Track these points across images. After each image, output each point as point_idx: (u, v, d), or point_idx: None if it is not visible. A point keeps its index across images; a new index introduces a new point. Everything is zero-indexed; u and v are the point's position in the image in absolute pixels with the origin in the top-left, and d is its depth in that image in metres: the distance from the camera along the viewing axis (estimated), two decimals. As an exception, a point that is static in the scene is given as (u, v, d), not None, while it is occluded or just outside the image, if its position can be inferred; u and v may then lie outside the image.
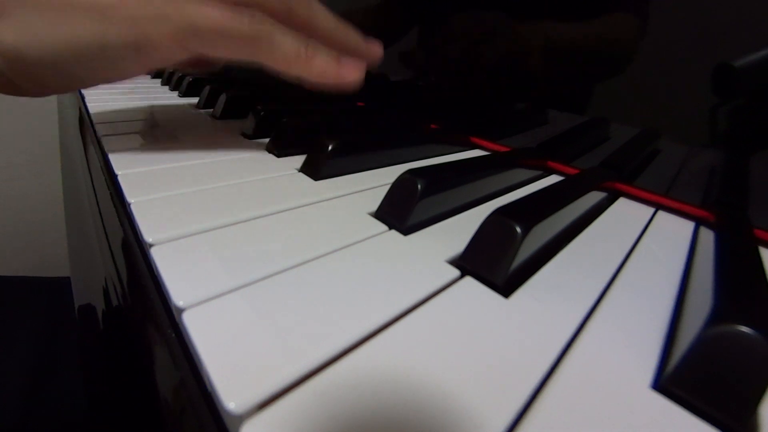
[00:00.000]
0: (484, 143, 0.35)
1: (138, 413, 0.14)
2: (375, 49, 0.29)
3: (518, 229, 0.14)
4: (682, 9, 0.22)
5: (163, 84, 0.59)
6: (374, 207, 0.20)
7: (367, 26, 0.43)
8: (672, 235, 0.21)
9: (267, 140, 0.30)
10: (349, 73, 0.25)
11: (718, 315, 0.10)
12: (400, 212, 0.18)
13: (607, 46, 0.26)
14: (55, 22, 0.19)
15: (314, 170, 0.24)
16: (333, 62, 0.24)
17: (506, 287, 0.15)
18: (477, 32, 0.33)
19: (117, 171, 0.22)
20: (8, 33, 0.19)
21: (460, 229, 0.19)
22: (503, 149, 0.33)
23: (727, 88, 0.21)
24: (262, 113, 0.33)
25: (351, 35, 0.27)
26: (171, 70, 0.58)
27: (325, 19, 0.26)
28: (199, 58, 0.23)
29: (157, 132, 0.32)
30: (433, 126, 0.38)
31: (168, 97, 0.49)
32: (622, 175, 0.26)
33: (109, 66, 0.22)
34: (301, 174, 0.25)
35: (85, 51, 0.20)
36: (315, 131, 0.30)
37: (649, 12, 0.24)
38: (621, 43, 0.25)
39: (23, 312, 0.46)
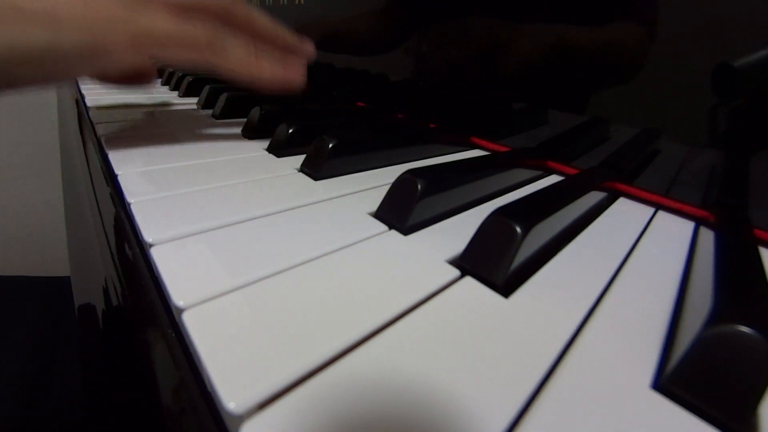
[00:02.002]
0: (484, 143, 0.35)
1: (138, 413, 0.14)
2: (308, 47, 0.32)
3: (518, 229, 0.14)
4: (682, 9, 0.22)
5: (163, 84, 0.59)
6: (374, 207, 0.20)
7: (372, 28, 0.43)
8: (672, 235, 0.21)
9: (267, 140, 0.30)
10: (294, 73, 0.27)
11: (718, 315, 0.10)
12: (400, 212, 0.18)
13: (612, 56, 0.26)
14: (1, 27, 0.19)
15: (314, 170, 0.24)
16: (280, 64, 0.26)
17: (506, 287, 0.15)
18: (481, 37, 0.33)
19: (117, 171, 0.22)
20: None
21: (460, 229, 0.19)
22: (503, 149, 0.33)
23: (727, 88, 0.21)
24: (262, 113, 0.33)
25: (287, 35, 0.29)
26: (171, 70, 0.58)
27: (263, 21, 0.28)
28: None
29: (157, 132, 0.32)
30: (433, 126, 0.38)
31: (168, 97, 0.49)
32: (622, 175, 0.26)
33: (58, 70, 0.21)
34: (301, 174, 0.25)
35: (35, 56, 0.20)
36: (315, 131, 0.30)
37: (656, 22, 0.23)
38: (627, 53, 0.25)
39: (23, 312, 0.46)
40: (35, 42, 0.20)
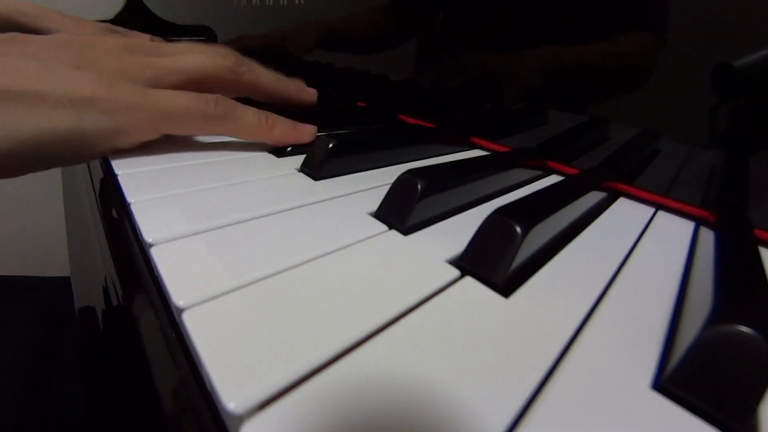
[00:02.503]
0: (484, 143, 0.35)
1: (138, 413, 0.14)
2: (311, 94, 0.35)
3: (518, 229, 0.14)
4: (682, 9, 0.22)
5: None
6: (374, 207, 0.20)
7: (374, 27, 0.43)
8: (672, 235, 0.21)
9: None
10: (305, 135, 0.28)
11: (718, 315, 0.10)
12: (400, 212, 0.18)
13: (620, 65, 0.26)
14: (26, 116, 0.19)
15: (314, 170, 0.24)
16: (291, 128, 0.28)
17: (506, 287, 0.15)
18: (482, 37, 0.33)
19: (117, 171, 0.22)
20: None
21: (460, 229, 0.19)
22: (503, 149, 0.33)
23: (727, 88, 0.21)
24: (262, 113, 0.33)
25: (291, 86, 0.32)
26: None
27: (268, 78, 0.30)
28: None
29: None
30: (433, 126, 0.38)
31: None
32: (622, 175, 0.26)
33: (77, 152, 0.22)
34: (300, 174, 0.25)
35: (57, 141, 0.20)
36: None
37: (667, 30, 0.23)
38: (635, 62, 0.25)
39: (23, 312, 0.46)
40: (59, 128, 0.20)
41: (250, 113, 0.26)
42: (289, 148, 0.28)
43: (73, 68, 0.22)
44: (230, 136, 0.27)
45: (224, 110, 0.25)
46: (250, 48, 0.62)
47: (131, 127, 0.22)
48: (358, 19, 0.44)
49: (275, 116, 0.27)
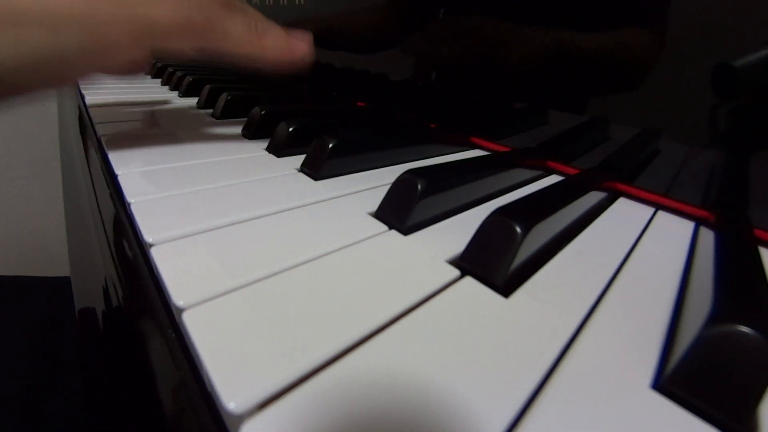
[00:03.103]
0: (484, 143, 0.35)
1: (138, 413, 0.14)
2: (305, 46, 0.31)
3: (518, 229, 0.14)
4: (682, 9, 0.22)
5: (163, 84, 0.59)
6: (374, 207, 0.20)
7: (373, 25, 0.43)
8: (672, 235, 0.21)
9: (267, 140, 0.30)
10: (299, 46, 0.26)
11: (718, 315, 0.10)
12: (400, 212, 0.18)
13: (620, 65, 0.25)
14: (1, 35, 0.18)
15: (314, 170, 0.24)
16: (283, 38, 0.25)
17: (506, 287, 0.15)
18: (483, 36, 0.33)
19: (117, 171, 0.22)
20: None
21: (460, 229, 0.19)
22: (503, 149, 0.33)
23: (727, 88, 0.21)
24: (262, 113, 0.33)
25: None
26: (171, 70, 0.58)
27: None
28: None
29: (157, 132, 0.32)
30: (433, 126, 0.38)
31: (168, 97, 0.49)
32: (622, 175, 0.26)
33: (59, 72, 0.21)
34: (301, 174, 0.25)
35: (38, 59, 0.19)
36: (315, 131, 0.30)
37: (665, 28, 0.23)
38: (635, 60, 0.25)
39: (23, 312, 0.46)
40: (36, 45, 0.19)
41: (238, 22, 0.24)
42: (289, 148, 0.28)
43: None
44: (217, 51, 0.25)
45: (209, 16, 0.23)
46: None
47: (113, 41, 0.21)
48: (359, 17, 0.44)
49: (266, 24, 0.25)
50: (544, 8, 0.29)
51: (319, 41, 0.50)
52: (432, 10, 0.37)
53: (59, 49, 0.20)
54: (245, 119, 0.34)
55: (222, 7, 0.24)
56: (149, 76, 0.67)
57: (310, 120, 0.30)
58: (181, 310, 0.12)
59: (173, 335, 0.12)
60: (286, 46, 0.26)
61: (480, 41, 0.33)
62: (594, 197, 0.23)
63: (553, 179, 0.29)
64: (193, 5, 0.23)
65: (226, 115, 0.39)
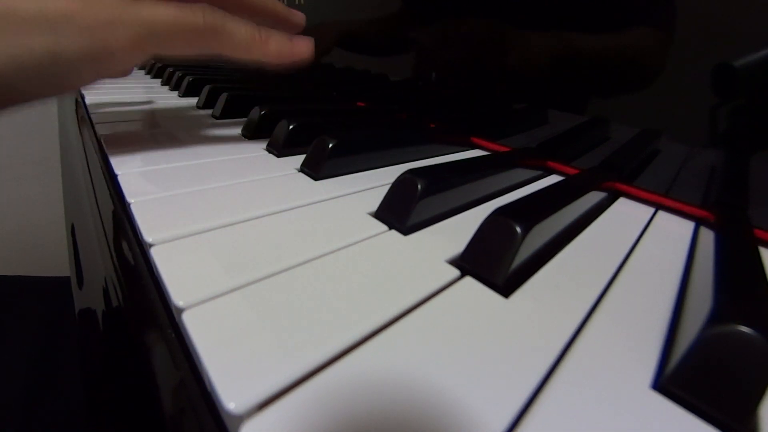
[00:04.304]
0: (484, 143, 0.35)
1: (138, 413, 0.14)
2: (300, 15, 0.31)
3: (518, 229, 0.14)
4: (682, 9, 0.22)
5: (163, 84, 0.59)
6: (374, 207, 0.20)
7: (378, 32, 0.43)
8: (672, 235, 0.21)
9: (267, 140, 0.30)
10: (302, 49, 0.26)
11: (718, 315, 0.10)
12: (400, 212, 0.18)
13: (620, 65, 0.25)
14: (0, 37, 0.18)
15: (314, 170, 0.24)
16: (286, 41, 0.26)
17: (506, 287, 0.15)
18: (486, 39, 0.33)
19: (117, 171, 0.22)
20: None
21: (460, 229, 0.19)
22: (503, 149, 0.33)
23: (727, 88, 0.21)
24: (262, 113, 0.33)
25: (278, 5, 0.29)
26: (171, 69, 0.58)
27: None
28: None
29: (157, 132, 0.32)
30: (433, 126, 0.38)
31: (168, 97, 0.49)
32: (622, 175, 0.26)
33: (61, 79, 0.21)
34: (301, 174, 0.25)
35: (36, 65, 0.19)
36: (315, 131, 0.30)
37: (675, 25, 0.23)
38: (636, 60, 0.24)
39: (23, 312, 0.46)
40: (37, 50, 0.19)
41: (242, 26, 0.24)
42: (289, 147, 0.28)
43: None
44: (220, 54, 0.24)
45: (214, 21, 0.23)
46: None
47: (114, 45, 0.20)
48: (375, 22, 0.44)
49: (268, 29, 0.26)
50: (545, 12, 0.29)
51: (338, 44, 0.50)
52: (434, 14, 0.37)
53: (59, 55, 0.19)
54: (245, 119, 0.34)
55: (226, 13, 0.24)
56: (149, 76, 0.67)
57: (310, 120, 0.30)
58: (181, 310, 0.12)
59: (173, 335, 0.12)
60: (289, 50, 0.26)
61: (482, 46, 0.33)
62: (594, 197, 0.23)
63: (553, 179, 0.29)
64: (197, 10, 0.22)
65: (225, 114, 0.39)
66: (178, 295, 0.12)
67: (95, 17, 0.20)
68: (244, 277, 0.14)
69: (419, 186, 0.18)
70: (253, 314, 0.12)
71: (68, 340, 0.43)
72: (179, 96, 0.50)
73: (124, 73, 0.23)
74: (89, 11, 0.20)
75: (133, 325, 0.15)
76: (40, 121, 0.93)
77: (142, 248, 0.17)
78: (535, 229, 0.15)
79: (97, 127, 0.32)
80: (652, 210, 0.24)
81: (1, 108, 0.20)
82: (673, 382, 0.11)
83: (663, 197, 0.25)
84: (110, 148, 0.26)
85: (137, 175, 0.22)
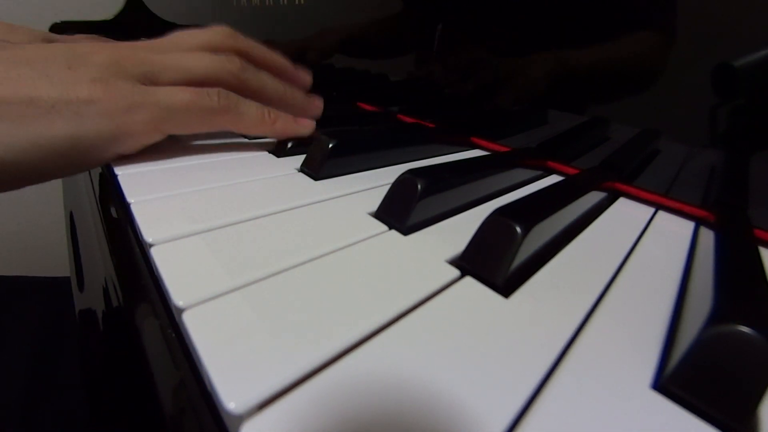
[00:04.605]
0: (484, 143, 0.35)
1: (138, 413, 0.14)
2: (317, 104, 0.33)
3: (518, 229, 0.14)
4: (682, 9, 0.22)
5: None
6: (374, 207, 0.20)
7: (382, 38, 0.43)
8: (672, 235, 0.21)
9: (267, 140, 0.30)
10: (304, 128, 0.29)
11: (718, 315, 0.10)
12: (400, 212, 0.18)
13: (621, 65, 0.25)
14: (21, 124, 0.18)
15: (314, 170, 0.24)
16: (291, 122, 0.28)
17: (506, 287, 0.15)
18: (486, 52, 0.33)
19: (117, 171, 0.22)
20: None
21: (460, 229, 0.19)
22: (503, 149, 0.33)
23: (727, 88, 0.21)
24: (262, 113, 0.33)
25: (297, 98, 0.31)
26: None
27: (273, 86, 0.29)
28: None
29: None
30: (432, 126, 0.38)
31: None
32: (622, 175, 0.26)
33: (80, 160, 0.21)
34: (301, 174, 0.25)
35: (57, 149, 0.19)
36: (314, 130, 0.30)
37: (675, 26, 0.23)
38: (637, 63, 0.25)
39: (23, 312, 0.46)
40: (59, 136, 0.19)
41: (253, 108, 0.26)
42: (289, 144, 0.28)
43: (65, 68, 0.20)
44: (231, 130, 0.26)
45: (227, 103, 0.24)
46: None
47: (133, 128, 0.22)
48: (377, 24, 0.44)
49: (276, 111, 0.27)
50: (546, 17, 0.29)
51: (338, 49, 0.50)
52: (434, 24, 0.37)
53: (80, 139, 0.20)
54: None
55: (239, 96, 0.25)
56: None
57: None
58: (181, 310, 0.12)
59: (173, 335, 0.12)
60: (293, 129, 0.28)
61: (482, 45, 0.33)
62: (594, 197, 0.23)
63: (553, 179, 0.29)
64: (213, 93, 0.24)
65: (226, 115, 0.39)
66: (178, 295, 0.12)
67: (116, 103, 0.20)
68: (244, 277, 0.14)
69: (419, 186, 0.18)
70: (254, 314, 0.12)
71: (68, 340, 0.43)
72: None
73: (140, 149, 0.24)
74: (110, 97, 0.20)
75: (133, 325, 0.15)
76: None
77: (142, 248, 0.17)
78: (535, 230, 0.15)
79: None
80: (652, 210, 0.24)
81: (17, 187, 0.20)
82: (673, 382, 0.11)
83: (663, 197, 0.25)
84: (110, 148, 0.26)
85: (137, 175, 0.22)
